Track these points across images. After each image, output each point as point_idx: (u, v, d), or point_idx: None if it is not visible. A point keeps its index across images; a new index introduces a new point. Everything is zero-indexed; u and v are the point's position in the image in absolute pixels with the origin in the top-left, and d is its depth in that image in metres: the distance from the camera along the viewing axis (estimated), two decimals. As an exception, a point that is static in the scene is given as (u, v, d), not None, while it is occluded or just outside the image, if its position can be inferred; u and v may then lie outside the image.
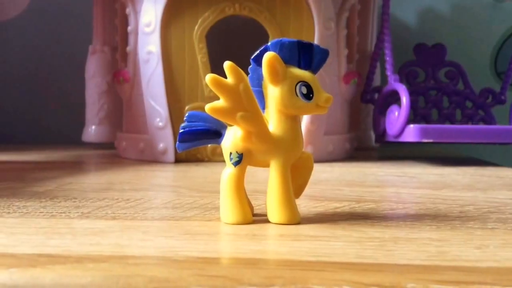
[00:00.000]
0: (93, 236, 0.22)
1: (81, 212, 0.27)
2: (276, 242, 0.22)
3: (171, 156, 0.50)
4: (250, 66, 0.24)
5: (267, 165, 0.25)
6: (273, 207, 0.25)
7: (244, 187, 0.25)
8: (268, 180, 0.25)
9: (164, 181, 0.41)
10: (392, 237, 0.23)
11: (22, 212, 0.27)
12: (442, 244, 0.22)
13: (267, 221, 0.25)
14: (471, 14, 0.72)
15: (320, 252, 0.20)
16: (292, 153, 0.24)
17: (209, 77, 0.23)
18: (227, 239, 0.23)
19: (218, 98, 0.23)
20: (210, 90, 0.49)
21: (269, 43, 0.24)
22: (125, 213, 0.27)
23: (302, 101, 0.23)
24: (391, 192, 0.36)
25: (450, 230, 0.24)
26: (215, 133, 0.25)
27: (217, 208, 0.28)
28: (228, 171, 0.25)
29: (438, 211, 0.29)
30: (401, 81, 0.54)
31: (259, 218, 0.26)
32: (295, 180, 0.25)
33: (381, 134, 0.56)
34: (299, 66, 0.24)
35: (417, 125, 0.50)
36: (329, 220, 0.26)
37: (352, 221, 0.26)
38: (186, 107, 0.50)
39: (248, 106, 0.23)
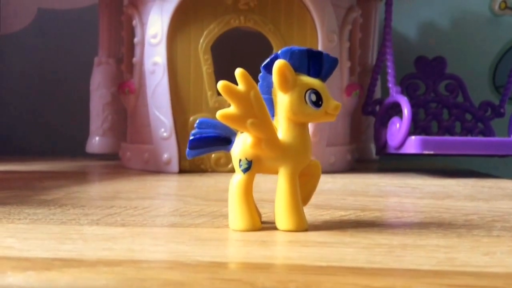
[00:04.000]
0: (104, 241, 0.22)
1: (91, 219, 0.27)
2: (286, 248, 0.22)
3: (175, 166, 0.51)
4: (260, 73, 0.25)
5: (276, 172, 0.25)
6: (282, 214, 0.25)
7: (253, 194, 0.26)
8: (277, 187, 0.25)
9: (169, 190, 0.41)
10: (400, 243, 0.23)
11: (32, 218, 0.27)
12: (450, 250, 0.22)
13: (275, 228, 0.25)
14: (471, 28, 0.73)
15: (330, 257, 0.20)
16: (300, 161, 0.25)
17: (221, 84, 0.23)
18: (237, 245, 0.23)
19: (223, 108, 0.24)
20: (215, 101, 0.50)
21: (279, 51, 0.24)
22: (134, 220, 0.27)
23: (311, 108, 0.24)
24: (394, 202, 0.36)
25: (457, 237, 0.24)
26: (225, 140, 0.25)
27: (224, 216, 0.28)
28: (237, 178, 0.25)
29: (443, 219, 0.29)
30: (402, 93, 0.55)
31: (267, 225, 0.26)
32: (303, 188, 0.26)
33: (382, 146, 0.56)
34: (309, 74, 0.24)
35: (418, 137, 0.50)
36: (337, 227, 0.26)
37: (359, 228, 0.26)
38: (191, 118, 0.50)
39: (258, 113, 0.23)
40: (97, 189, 0.39)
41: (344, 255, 0.21)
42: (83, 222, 0.26)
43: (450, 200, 0.37)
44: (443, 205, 0.34)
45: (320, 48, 0.50)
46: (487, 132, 0.60)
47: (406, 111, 0.50)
